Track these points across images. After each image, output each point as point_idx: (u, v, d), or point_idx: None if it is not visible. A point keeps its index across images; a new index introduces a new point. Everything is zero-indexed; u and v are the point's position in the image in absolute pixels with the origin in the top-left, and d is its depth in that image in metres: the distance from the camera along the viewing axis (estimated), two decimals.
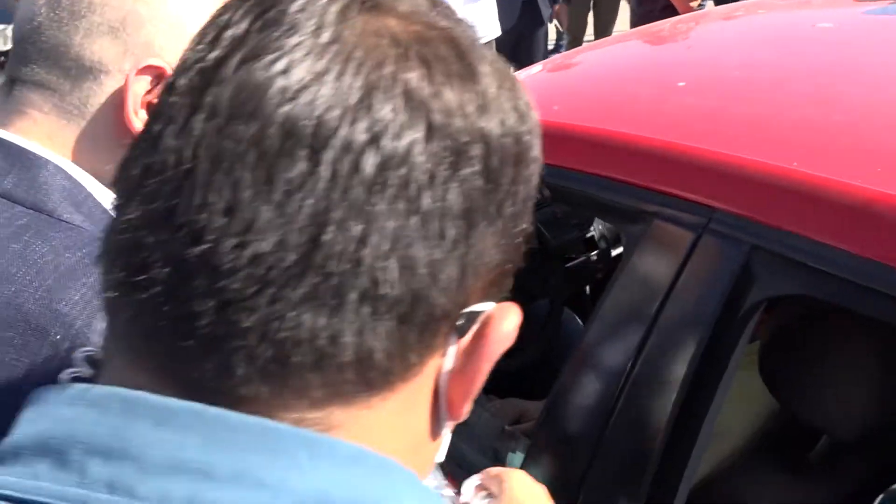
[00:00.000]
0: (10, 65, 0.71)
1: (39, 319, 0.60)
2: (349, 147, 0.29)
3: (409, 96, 0.30)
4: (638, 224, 0.89)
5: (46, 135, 0.69)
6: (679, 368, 0.83)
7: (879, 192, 0.72)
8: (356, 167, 0.29)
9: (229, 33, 0.32)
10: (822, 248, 0.75)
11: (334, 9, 0.31)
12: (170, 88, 0.32)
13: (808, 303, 0.95)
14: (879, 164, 0.79)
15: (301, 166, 0.29)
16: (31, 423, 0.33)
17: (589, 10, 5.26)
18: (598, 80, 1.20)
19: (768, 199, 0.80)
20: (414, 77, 0.31)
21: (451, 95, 0.31)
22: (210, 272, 0.29)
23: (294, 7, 0.31)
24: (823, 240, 0.75)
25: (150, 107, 0.70)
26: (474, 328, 0.34)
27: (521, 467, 0.92)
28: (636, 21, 3.29)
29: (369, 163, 0.29)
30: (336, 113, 0.29)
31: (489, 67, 0.34)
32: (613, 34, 5.41)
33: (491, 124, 0.32)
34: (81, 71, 0.68)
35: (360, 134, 0.29)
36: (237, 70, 0.30)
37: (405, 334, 0.31)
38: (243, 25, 0.32)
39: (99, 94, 0.69)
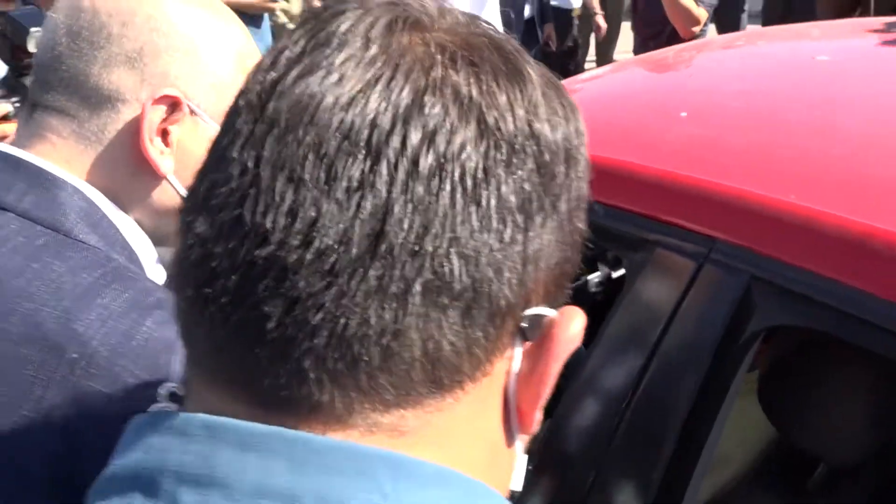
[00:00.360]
0: (32, 89, 0.73)
1: (57, 338, 0.62)
2: (405, 148, 0.31)
3: (459, 98, 0.32)
4: (640, 252, 0.91)
5: (65, 159, 0.71)
6: (680, 395, 0.84)
7: (876, 227, 0.74)
8: (414, 166, 0.31)
9: (285, 56, 0.34)
10: (819, 279, 0.77)
11: (380, 26, 0.34)
12: (233, 109, 0.34)
13: (806, 333, 0.96)
14: (877, 196, 0.80)
15: (360, 166, 0.31)
16: (125, 453, 0.34)
17: (591, 33, 5.32)
18: (600, 107, 1.22)
19: (768, 231, 0.82)
20: (462, 79, 0.32)
21: (500, 96, 0.33)
22: (277, 272, 0.31)
23: (343, 28, 0.34)
24: (821, 272, 0.77)
25: (164, 133, 0.72)
26: (540, 331, 0.35)
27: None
28: (639, 46, 3.32)
29: (426, 162, 0.31)
30: (389, 116, 0.31)
31: (534, 70, 0.35)
32: (615, 58, 5.47)
33: (540, 123, 0.34)
34: (100, 99, 0.70)
35: (415, 135, 0.31)
36: (293, 85, 0.32)
37: (470, 328, 0.32)
38: (297, 48, 0.34)
39: (116, 121, 0.71)
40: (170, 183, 0.75)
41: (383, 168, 0.30)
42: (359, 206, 0.30)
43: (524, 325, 0.34)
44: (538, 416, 0.36)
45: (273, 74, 0.33)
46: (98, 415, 0.61)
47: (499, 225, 0.32)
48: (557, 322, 0.35)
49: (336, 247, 0.30)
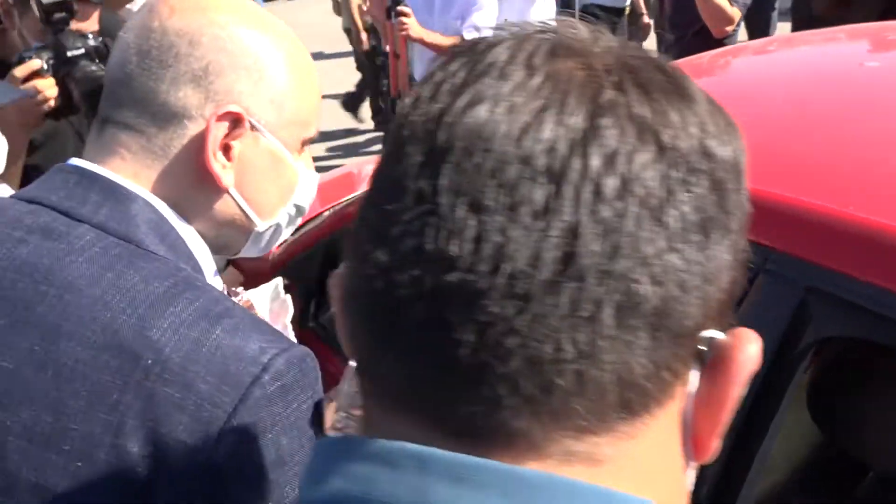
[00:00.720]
0: (103, 106, 0.76)
1: (133, 345, 0.64)
2: (587, 171, 0.31)
3: (634, 118, 0.32)
4: None
5: (134, 172, 0.74)
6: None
7: None
8: (598, 190, 0.31)
9: (446, 87, 0.34)
10: (876, 290, 0.77)
11: (541, 54, 0.34)
12: (396, 139, 0.35)
13: (858, 342, 0.96)
14: None
15: (543, 191, 0.31)
16: (322, 480, 0.33)
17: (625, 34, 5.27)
18: None
19: (824, 241, 0.82)
20: (634, 100, 0.32)
21: (673, 115, 0.33)
22: (467, 298, 0.31)
23: (502, 58, 0.34)
24: (878, 282, 0.77)
25: (226, 148, 0.74)
26: (717, 354, 0.34)
27: None
28: (668, 48, 3.29)
29: (610, 184, 0.31)
30: (566, 142, 0.31)
31: (696, 88, 0.35)
32: None
33: (711, 140, 0.33)
34: (167, 116, 0.73)
35: (595, 158, 0.31)
36: (462, 115, 0.33)
37: (658, 349, 0.31)
38: (458, 79, 0.34)
39: (182, 137, 0.73)
40: (230, 195, 0.77)
41: (567, 192, 0.31)
42: (546, 229, 0.30)
43: (702, 347, 0.33)
44: (717, 442, 0.36)
45: (438, 105, 0.33)
46: (171, 419, 0.63)
47: (682, 244, 0.32)
48: (734, 344, 0.34)
49: (527, 270, 0.30)
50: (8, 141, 1.61)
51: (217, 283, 0.80)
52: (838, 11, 2.71)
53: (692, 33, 2.98)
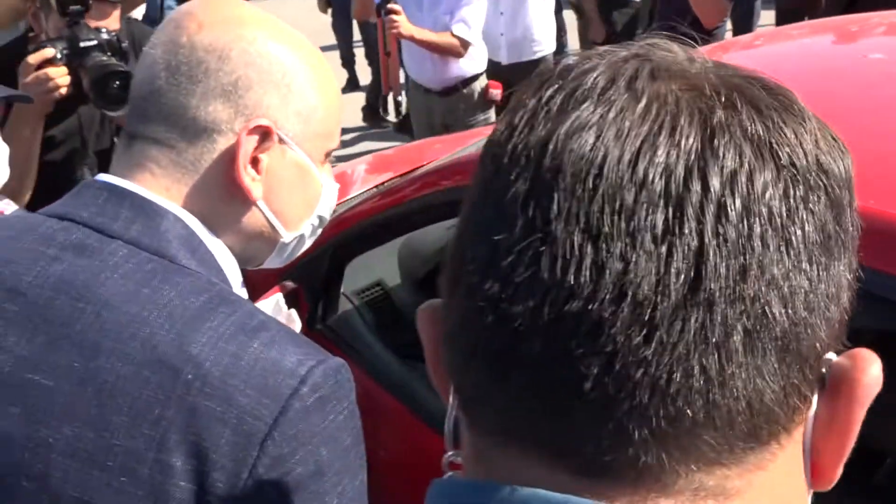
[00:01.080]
0: (130, 121, 0.76)
1: (173, 360, 0.64)
2: (708, 192, 0.30)
3: (749, 137, 0.31)
4: None
5: (164, 187, 0.74)
6: None
7: None
8: (721, 210, 0.30)
9: (544, 114, 0.33)
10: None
11: (643, 77, 0.33)
12: (494, 167, 0.34)
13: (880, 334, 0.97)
14: None
15: (663, 215, 0.30)
16: None
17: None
18: None
19: None
20: (747, 119, 0.32)
21: (787, 132, 0.32)
22: (591, 328, 0.30)
23: (601, 83, 0.33)
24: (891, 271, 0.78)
25: (255, 161, 0.74)
26: (839, 376, 0.33)
27: None
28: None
29: (733, 205, 0.30)
30: (682, 164, 0.30)
31: (802, 104, 0.35)
32: None
33: (826, 156, 0.33)
34: (197, 130, 0.73)
35: (715, 179, 0.30)
36: (567, 141, 0.32)
37: (787, 374, 0.31)
38: (554, 105, 0.33)
39: (212, 151, 0.73)
40: (258, 208, 0.77)
41: (689, 215, 0.30)
42: (670, 254, 0.29)
43: (824, 369, 0.33)
44: (839, 471, 0.35)
45: (539, 132, 0.33)
46: (213, 433, 0.64)
47: (807, 264, 0.31)
48: (856, 366, 0.33)
49: (653, 297, 0.29)
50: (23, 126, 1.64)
51: (243, 294, 0.80)
52: (807, 4, 2.75)
53: (687, 24, 2.99)
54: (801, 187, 0.31)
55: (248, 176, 0.74)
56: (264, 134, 0.73)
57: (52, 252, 0.70)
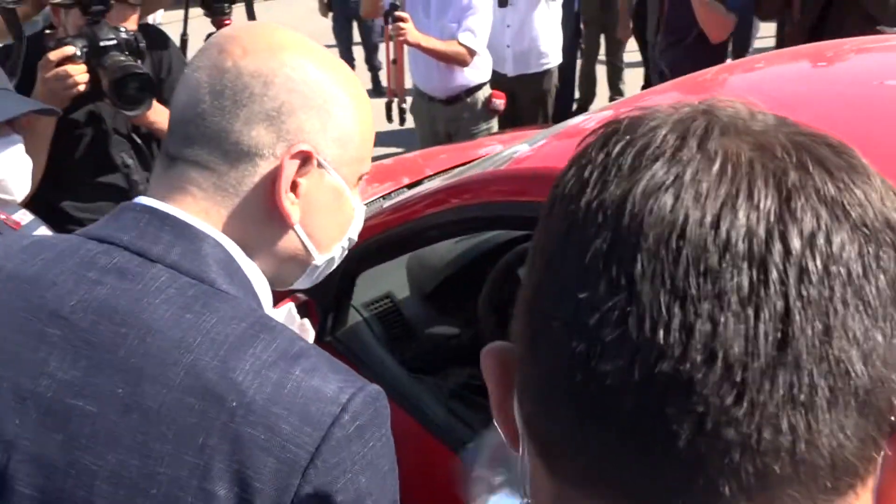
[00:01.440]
0: (171, 143, 0.76)
1: (217, 388, 0.65)
2: (789, 254, 0.31)
3: (822, 197, 0.32)
4: None
5: (204, 210, 0.74)
6: None
7: None
8: (803, 271, 0.31)
9: (615, 170, 0.34)
10: None
11: (714, 137, 0.34)
12: (573, 224, 0.34)
13: None
14: None
15: (747, 276, 0.31)
16: None
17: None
18: None
19: None
20: (818, 179, 0.33)
21: (858, 192, 0.33)
22: (681, 388, 0.31)
23: (671, 141, 0.34)
24: None
25: (294, 185, 0.74)
26: None
27: None
28: (660, 52, 3.31)
29: (814, 265, 0.31)
30: (763, 226, 0.31)
31: (865, 161, 0.35)
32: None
33: (893, 213, 0.34)
34: (240, 154, 0.73)
35: (796, 241, 0.31)
36: (647, 202, 0.32)
37: (865, 426, 0.32)
38: (625, 162, 0.34)
39: (254, 175, 0.74)
40: (295, 232, 0.78)
41: (773, 276, 0.31)
42: (757, 315, 0.30)
43: (893, 418, 0.33)
44: None
45: (614, 190, 0.33)
46: (257, 461, 0.64)
47: (883, 321, 0.32)
48: None
49: (743, 358, 0.30)
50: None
51: (275, 317, 0.80)
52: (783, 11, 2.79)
53: (693, 38, 3.01)
54: (872, 245, 0.32)
55: (287, 200, 0.74)
56: (305, 159, 0.74)
57: (93, 276, 0.70)
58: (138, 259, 0.71)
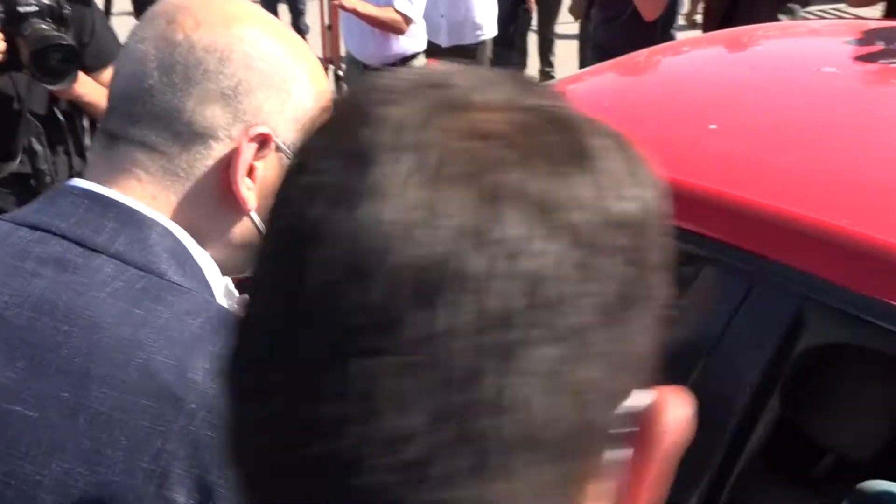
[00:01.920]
0: (114, 121, 0.70)
1: (174, 389, 0.60)
2: (466, 284, 0.26)
3: (526, 201, 0.27)
4: (690, 269, 0.95)
5: (151, 195, 0.69)
6: (728, 412, 0.89)
7: None
8: (503, 299, 0.27)
9: (325, 178, 0.29)
10: (870, 301, 0.82)
11: (421, 118, 0.29)
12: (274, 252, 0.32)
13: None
14: None
15: (431, 313, 0.26)
16: None
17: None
18: (618, 115, 1.24)
19: (819, 253, 0.87)
20: (522, 176, 0.28)
21: (570, 186, 0.28)
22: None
23: (379, 138, 0.29)
24: (871, 293, 0.82)
25: (253, 172, 0.70)
26: (633, 429, 0.31)
27: None
28: (598, 26, 3.32)
29: (514, 289, 0.27)
30: (444, 248, 0.27)
31: (599, 140, 0.31)
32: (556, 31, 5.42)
33: (618, 204, 0.29)
34: (192, 136, 0.68)
35: (477, 266, 0.26)
36: (338, 219, 0.28)
37: (566, 472, 0.29)
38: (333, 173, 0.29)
39: (207, 158, 0.69)
40: (251, 219, 0.73)
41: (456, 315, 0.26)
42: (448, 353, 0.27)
43: (613, 431, 0.30)
44: None
45: (315, 210, 0.29)
46: (221, 465, 0.61)
47: (593, 345, 0.28)
48: (653, 414, 0.31)
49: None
50: None
51: (227, 305, 0.76)
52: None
53: (627, 15, 3.03)
54: (583, 250, 0.28)
55: (244, 185, 0.70)
56: (263, 141, 0.70)
57: (29, 267, 0.64)
58: (79, 248, 0.65)
